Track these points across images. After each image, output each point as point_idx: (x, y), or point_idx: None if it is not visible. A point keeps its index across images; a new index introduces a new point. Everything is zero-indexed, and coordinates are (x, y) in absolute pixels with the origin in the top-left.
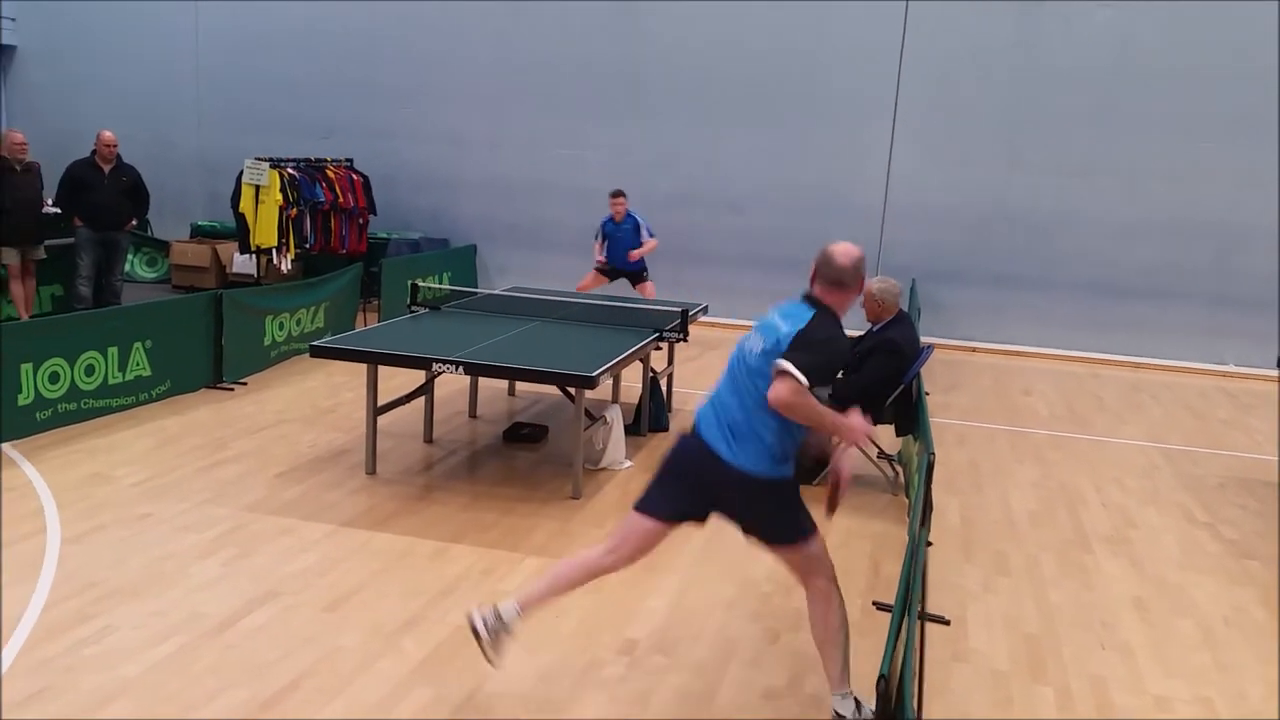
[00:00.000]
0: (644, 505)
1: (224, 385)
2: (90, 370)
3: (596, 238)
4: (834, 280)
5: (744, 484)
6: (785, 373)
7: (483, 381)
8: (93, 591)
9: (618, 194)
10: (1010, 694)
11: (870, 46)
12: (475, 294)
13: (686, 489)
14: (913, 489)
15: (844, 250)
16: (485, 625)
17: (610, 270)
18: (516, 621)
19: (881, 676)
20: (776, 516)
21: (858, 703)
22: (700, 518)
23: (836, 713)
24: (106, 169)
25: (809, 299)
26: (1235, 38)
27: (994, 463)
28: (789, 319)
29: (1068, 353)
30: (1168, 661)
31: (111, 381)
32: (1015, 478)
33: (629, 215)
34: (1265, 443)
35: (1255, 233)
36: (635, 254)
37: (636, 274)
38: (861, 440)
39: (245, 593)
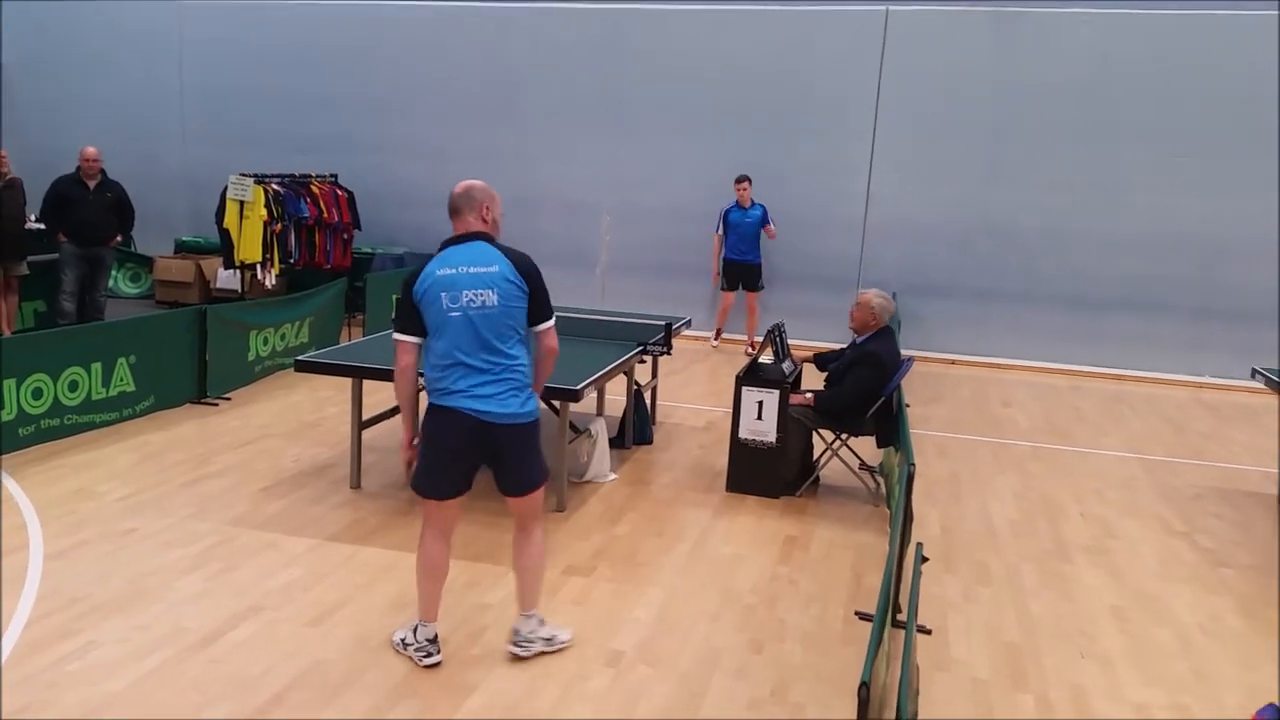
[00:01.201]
0: (435, 492)
1: (208, 400)
2: (74, 386)
3: (717, 229)
4: (453, 209)
5: (530, 431)
6: (552, 326)
7: None
8: (76, 607)
9: (743, 179)
10: (991, 703)
11: (851, 61)
12: None
13: (470, 466)
14: (894, 500)
15: (460, 187)
16: (405, 643)
17: (730, 272)
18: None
19: (863, 684)
20: (539, 456)
21: (540, 620)
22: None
23: (518, 631)
24: (91, 185)
25: (470, 237)
26: (1214, 52)
27: (974, 474)
28: (492, 261)
29: (1048, 365)
30: (1146, 670)
31: (95, 397)
32: (995, 488)
33: (755, 203)
34: (1241, 453)
35: (1234, 245)
36: (772, 230)
37: (754, 279)
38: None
39: (229, 607)
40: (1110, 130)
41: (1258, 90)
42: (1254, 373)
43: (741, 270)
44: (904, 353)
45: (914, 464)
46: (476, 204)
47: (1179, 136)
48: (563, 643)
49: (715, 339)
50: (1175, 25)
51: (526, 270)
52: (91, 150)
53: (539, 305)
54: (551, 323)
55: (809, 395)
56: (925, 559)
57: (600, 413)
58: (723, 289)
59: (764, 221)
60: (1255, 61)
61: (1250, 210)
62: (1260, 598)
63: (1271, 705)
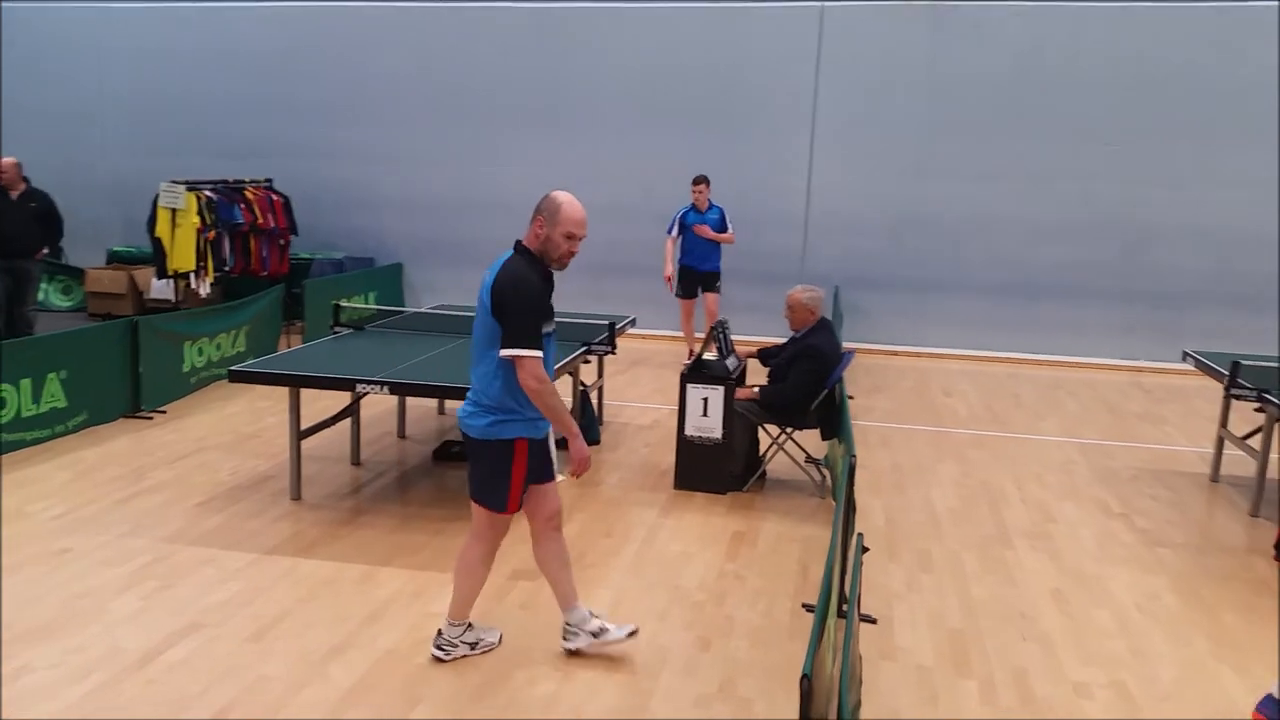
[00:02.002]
0: None
1: (143, 414)
2: (1, 403)
3: (670, 231)
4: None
5: (476, 445)
6: (519, 358)
7: (412, 401)
8: (6, 632)
9: (700, 180)
10: (935, 689)
11: (787, 57)
12: (401, 313)
13: None
14: (838, 491)
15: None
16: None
17: (687, 278)
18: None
19: (804, 677)
20: (483, 476)
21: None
22: None
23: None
24: (14, 195)
25: (514, 246)
26: (1137, 42)
27: (916, 463)
28: (491, 274)
29: (987, 353)
30: (1085, 650)
31: (25, 414)
32: (937, 477)
33: (713, 205)
34: (1175, 434)
35: (1159, 230)
36: (705, 230)
37: (711, 280)
38: (584, 465)
39: (166, 626)
40: (1037, 120)
41: (1178, 78)
42: (1185, 355)
43: (699, 278)
44: (845, 345)
45: (855, 455)
46: (535, 215)
47: (1103, 125)
48: (488, 645)
49: (690, 358)
50: (1101, 16)
51: (497, 288)
52: (6, 161)
53: (503, 328)
54: (512, 352)
55: (755, 390)
56: (866, 549)
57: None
58: (679, 296)
59: (721, 225)
60: (1177, 51)
61: (1173, 195)
62: (1193, 575)
63: (1269, 696)
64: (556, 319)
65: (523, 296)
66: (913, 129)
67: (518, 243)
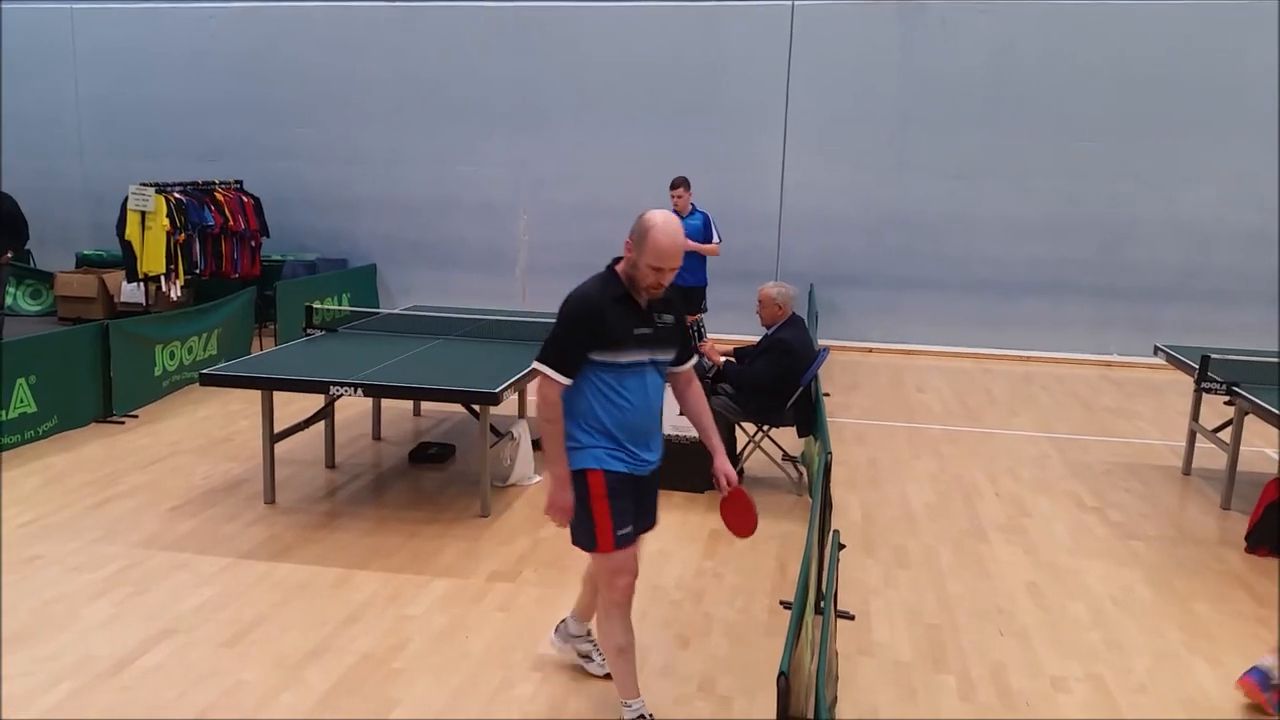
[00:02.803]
0: None
1: (114, 418)
2: None
3: None
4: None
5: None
6: (537, 372)
7: (388, 403)
8: None
9: (679, 183)
10: (913, 685)
11: (760, 55)
12: (374, 314)
13: None
14: (814, 488)
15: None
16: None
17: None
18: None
19: (781, 674)
20: (577, 515)
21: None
22: None
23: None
24: None
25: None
26: (1111, 38)
27: (893, 459)
28: None
29: (961, 349)
30: (1061, 643)
31: None
32: (913, 472)
33: (696, 210)
34: (1148, 428)
35: (1134, 226)
36: (691, 244)
37: (695, 299)
38: (553, 512)
39: (140, 632)
40: (1013, 117)
41: (1153, 75)
42: (1156, 350)
43: (681, 294)
44: (820, 342)
45: (830, 452)
46: (629, 236)
47: (1078, 122)
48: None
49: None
50: (1072, 13)
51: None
52: None
53: None
54: (535, 364)
55: (721, 360)
56: (842, 546)
57: (522, 415)
58: None
59: (705, 233)
60: (1151, 47)
61: (1150, 191)
62: (1166, 567)
63: (1256, 668)
64: (535, 320)
65: (568, 313)
66: (887, 127)
67: (612, 260)
